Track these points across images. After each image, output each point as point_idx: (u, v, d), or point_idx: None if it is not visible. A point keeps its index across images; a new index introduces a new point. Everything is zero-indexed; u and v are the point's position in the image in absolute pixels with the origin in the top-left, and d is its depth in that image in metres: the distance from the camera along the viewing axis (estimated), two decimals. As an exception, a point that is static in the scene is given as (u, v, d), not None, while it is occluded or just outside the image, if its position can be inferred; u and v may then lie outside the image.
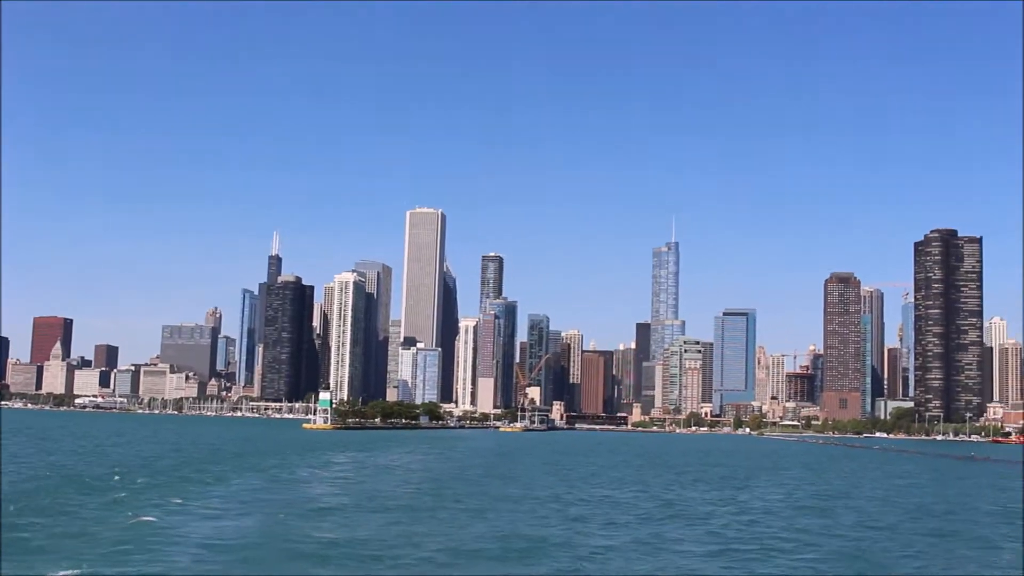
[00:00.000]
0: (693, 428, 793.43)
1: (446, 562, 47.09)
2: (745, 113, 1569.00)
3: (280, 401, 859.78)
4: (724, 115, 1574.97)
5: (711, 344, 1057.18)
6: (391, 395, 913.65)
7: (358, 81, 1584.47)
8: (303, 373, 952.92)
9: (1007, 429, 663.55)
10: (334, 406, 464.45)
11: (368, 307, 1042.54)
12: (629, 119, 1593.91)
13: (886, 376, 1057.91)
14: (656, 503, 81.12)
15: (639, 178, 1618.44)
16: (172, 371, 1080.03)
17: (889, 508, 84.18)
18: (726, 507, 79.84)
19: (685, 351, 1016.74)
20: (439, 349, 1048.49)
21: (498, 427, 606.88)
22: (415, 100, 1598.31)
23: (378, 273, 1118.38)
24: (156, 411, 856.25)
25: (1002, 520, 76.64)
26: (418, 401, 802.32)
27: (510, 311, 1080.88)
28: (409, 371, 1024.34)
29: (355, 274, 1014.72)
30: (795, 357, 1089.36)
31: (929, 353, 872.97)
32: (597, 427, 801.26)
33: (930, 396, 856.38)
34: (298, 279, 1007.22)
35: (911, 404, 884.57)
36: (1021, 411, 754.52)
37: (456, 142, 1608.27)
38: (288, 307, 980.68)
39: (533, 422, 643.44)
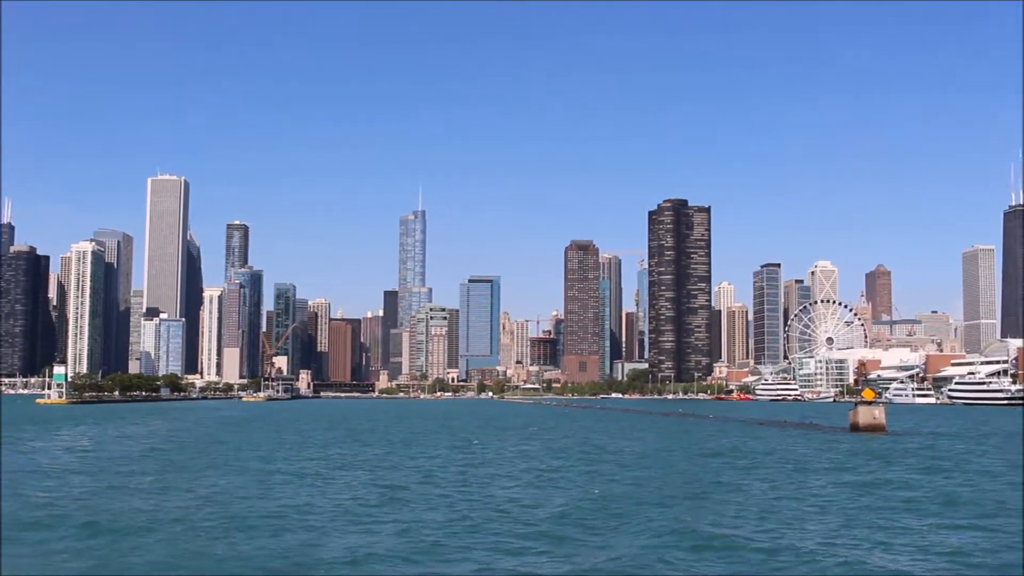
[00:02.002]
0: (438, 394, 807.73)
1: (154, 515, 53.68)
2: (486, 85, 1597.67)
3: (14, 376, 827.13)
4: (468, 86, 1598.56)
5: (457, 311, 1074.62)
6: (133, 367, 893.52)
7: (98, 47, 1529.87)
8: (39, 346, 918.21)
9: (730, 387, 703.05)
10: (70, 380, 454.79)
11: (108, 277, 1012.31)
12: (376, 88, 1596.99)
13: (624, 339, 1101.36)
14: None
15: (386, 147, 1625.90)
16: None
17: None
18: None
19: (431, 318, 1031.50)
20: (183, 319, 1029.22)
21: (242, 397, 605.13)
22: (159, 64, 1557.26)
23: (118, 242, 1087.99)
24: None
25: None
26: (162, 372, 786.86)
27: (256, 280, 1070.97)
28: (152, 342, 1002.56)
29: (93, 243, 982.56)
30: (538, 322, 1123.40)
31: (662, 316, 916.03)
32: (343, 395, 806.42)
33: (663, 357, 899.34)
34: (32, 249, 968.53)
35: (646, 365, 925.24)
36: (745, 370, 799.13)
37: (201, 108, 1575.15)
38: (21, 278, 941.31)
39: (277, 391, 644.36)
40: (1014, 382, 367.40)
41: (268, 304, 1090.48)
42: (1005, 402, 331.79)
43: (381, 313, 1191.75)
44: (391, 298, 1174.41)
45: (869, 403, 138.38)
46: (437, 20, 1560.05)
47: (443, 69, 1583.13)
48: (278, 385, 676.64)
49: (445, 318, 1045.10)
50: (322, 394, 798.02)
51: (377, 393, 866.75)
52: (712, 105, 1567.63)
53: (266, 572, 36.20)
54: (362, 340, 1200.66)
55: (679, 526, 46.22)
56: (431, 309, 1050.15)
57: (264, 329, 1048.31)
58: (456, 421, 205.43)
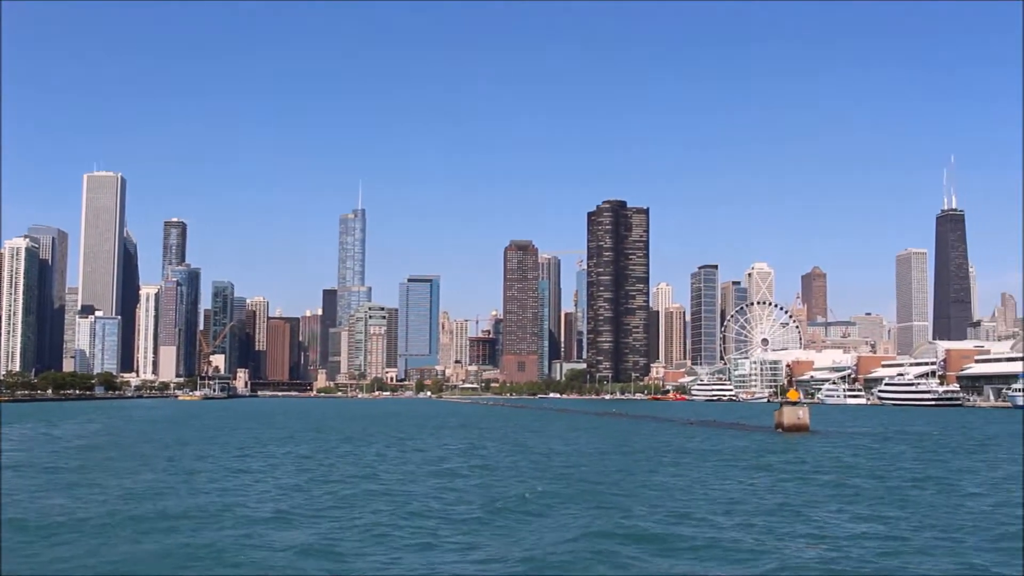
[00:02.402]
0: (376, 393, 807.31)
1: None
2: (427, 85, 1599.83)
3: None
4: (409, 87, 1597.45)
5: (396, 310, 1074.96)
6: (68, 365, 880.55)
7: (32, 43, 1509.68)
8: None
9: (667, 387, 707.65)
10: (3, 378, 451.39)
11: (42, 274, 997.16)
12: (316, 86, 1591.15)
13: (563, 339, 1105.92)
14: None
15: (327, 144, 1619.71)
16: None
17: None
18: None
19: (370, 317, 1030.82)
20: (119, 317, 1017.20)
21: (178, 396, 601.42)
22: (96, 60, 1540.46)
23: (53, 239, 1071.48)
24: None
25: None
26: (97, 371, 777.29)
27: (193, 278, 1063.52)
28: (87, 340, 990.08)
29: (27, 240, 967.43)
30: (477, 322, 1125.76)
31: (600, 317, 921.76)
32: (280, 394, 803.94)
33: (601, 358, 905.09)
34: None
35: (584, 365, 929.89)
36: (682, 370, 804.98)
37: (139, 104, 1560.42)
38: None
39: (214, 390, 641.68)
40: (941, 383, 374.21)
41: (205, 302, 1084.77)
42: (932, 403, 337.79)
43: (320, 312, 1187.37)
44: (330, 297, 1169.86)
45: (794, 404, 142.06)
46: (377, 22, 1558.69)
47: (384, 69, 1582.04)
48: (215, 384, 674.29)
49: (384, 317, 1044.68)
50: (259, 393, 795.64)
51: (315, 392, 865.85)
52: (651, 107, 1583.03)
53: (190, 567, 37.39)
54: (300, 339, 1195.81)
55: (597, 521, 47.91)
56: (370, 308, 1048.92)
57: (201, 327, 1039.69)
58: (391, 420, 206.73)
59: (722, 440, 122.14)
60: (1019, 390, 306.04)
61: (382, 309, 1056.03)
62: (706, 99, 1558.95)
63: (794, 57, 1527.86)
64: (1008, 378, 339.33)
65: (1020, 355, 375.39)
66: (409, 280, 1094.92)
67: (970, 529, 46.60)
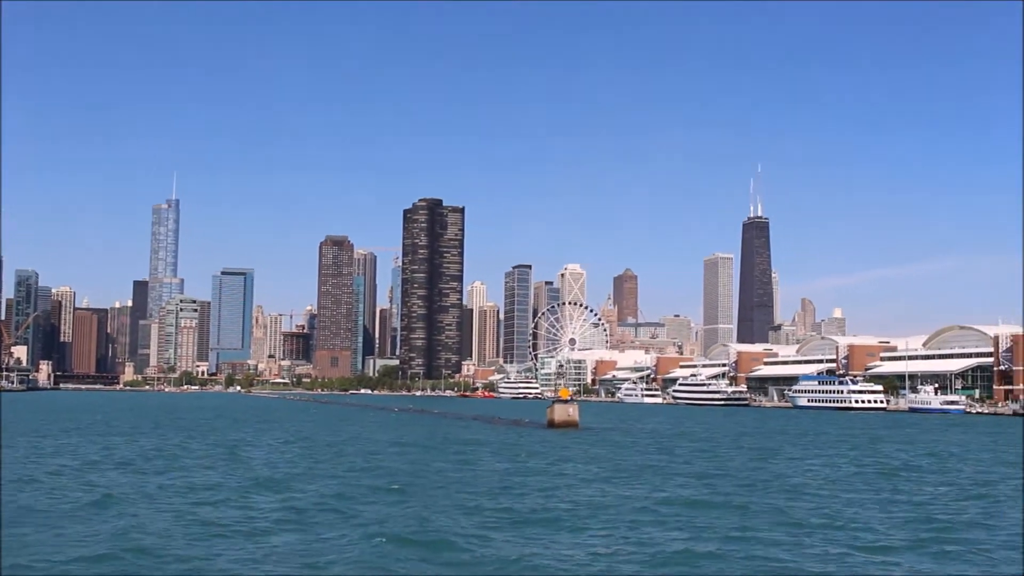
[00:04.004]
0: (185, 387, 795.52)
1: None
2: (243, 75, 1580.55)
3: None
4: (225, 76, 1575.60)
5: (209, 303, 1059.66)
6: None
7: None
8: None
9: (477, 385, 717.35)
10: None
11: None
12: (132, 74, 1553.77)
13: (377, 336, 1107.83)
14: None
15: (140, 132, 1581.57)
16: None
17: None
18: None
19: (182, 309, 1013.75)
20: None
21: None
22: None
23: None
24: None
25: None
26: None
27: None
28: None
29: None
30: (292, 317, 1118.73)
31: (414, 314, 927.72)
32: (85, 387, 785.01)
33: (414, 354, 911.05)
34: None
35: (398, 362, 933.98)
36: (492, 368, 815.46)
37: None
38: None
39: (12, 383, 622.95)
40: (732, 384, 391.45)
41: (8, 291, 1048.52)
42: (722, 403, 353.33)
43: (130, 303, 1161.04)
44: (141, 288, 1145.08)
45: (565, 401, 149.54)
46: (197, 12, 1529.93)
47: (202, 57, 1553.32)
48: (13, 376, 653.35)
49: (196, 310, 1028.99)
50: (62, 386, 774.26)
51: (122, 385, 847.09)
52: (468, 105, 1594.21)
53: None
54: (109, 331, 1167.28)
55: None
56: (182, 300, 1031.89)
57: (3, 317, 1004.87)
58: (178, 414, 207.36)
59: (493, 434, 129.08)
60: (799, 391, 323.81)
61: (194, 302, 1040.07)
62: (524, 101, 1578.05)
63: (613, 59, 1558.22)
64: (791, 380, 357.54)
65: (804, 358, 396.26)
66: (223, 273, 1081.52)
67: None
